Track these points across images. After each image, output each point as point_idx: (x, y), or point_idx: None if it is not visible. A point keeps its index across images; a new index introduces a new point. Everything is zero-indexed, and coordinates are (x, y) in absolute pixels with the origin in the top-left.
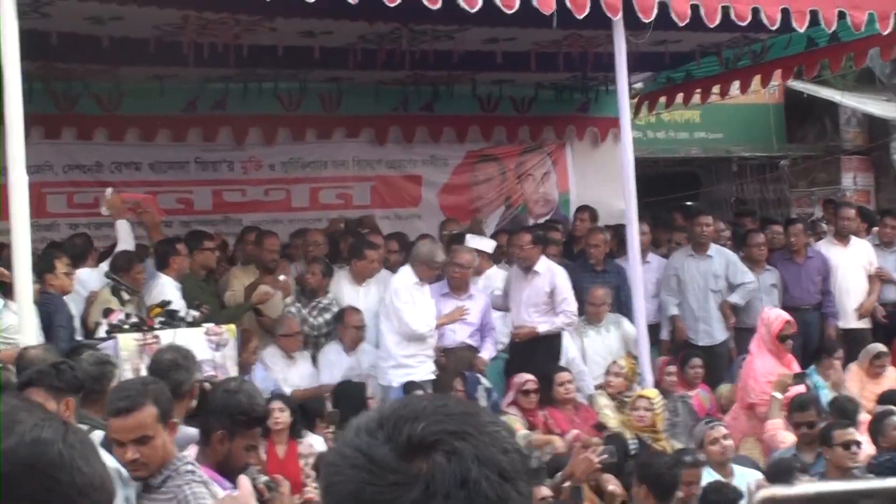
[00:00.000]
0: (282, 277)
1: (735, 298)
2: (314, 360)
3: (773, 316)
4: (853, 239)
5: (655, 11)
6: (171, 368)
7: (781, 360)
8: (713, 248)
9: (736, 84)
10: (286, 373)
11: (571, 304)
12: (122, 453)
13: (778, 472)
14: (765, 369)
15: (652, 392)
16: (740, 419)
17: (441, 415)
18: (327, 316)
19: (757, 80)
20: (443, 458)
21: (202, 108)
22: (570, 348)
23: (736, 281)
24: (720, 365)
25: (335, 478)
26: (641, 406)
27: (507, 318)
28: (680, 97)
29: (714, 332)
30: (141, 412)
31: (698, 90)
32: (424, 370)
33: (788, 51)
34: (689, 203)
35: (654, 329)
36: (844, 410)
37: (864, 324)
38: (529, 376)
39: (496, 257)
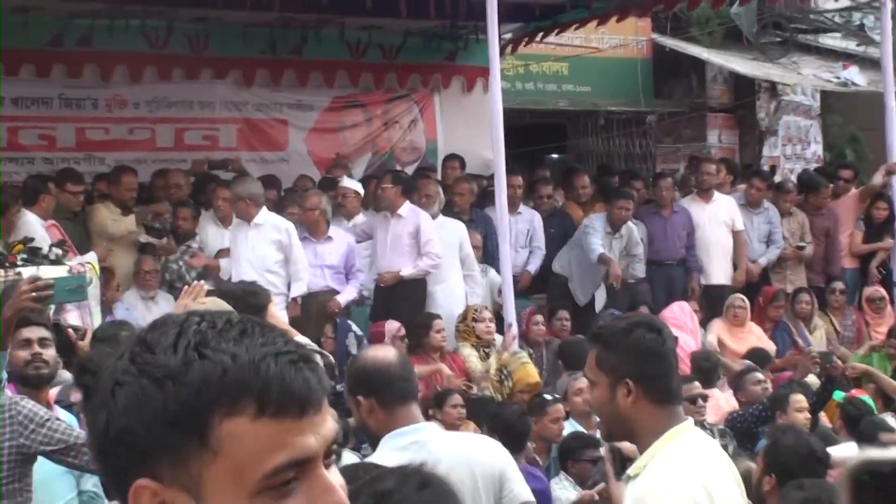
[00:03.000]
0: (164, 240)
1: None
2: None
3: None
4: (716, 195)
5: None
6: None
7: None
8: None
9: (592, 25)
10: (146, 314)
11: (435, 246)
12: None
13: None
14: None
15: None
16: None
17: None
18: (194, 272)
19: (614, 23)
20: None
21: (68, 44)
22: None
23: (632, 252)
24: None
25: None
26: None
27: (374, 264)
28: (539, 38)
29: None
30: None
31: (556, 30)
32: None
33: None
34: (555, 156)
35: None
36: (701, 367)
37: (725, 280)
38: (397, 323)
39: (363, 203)
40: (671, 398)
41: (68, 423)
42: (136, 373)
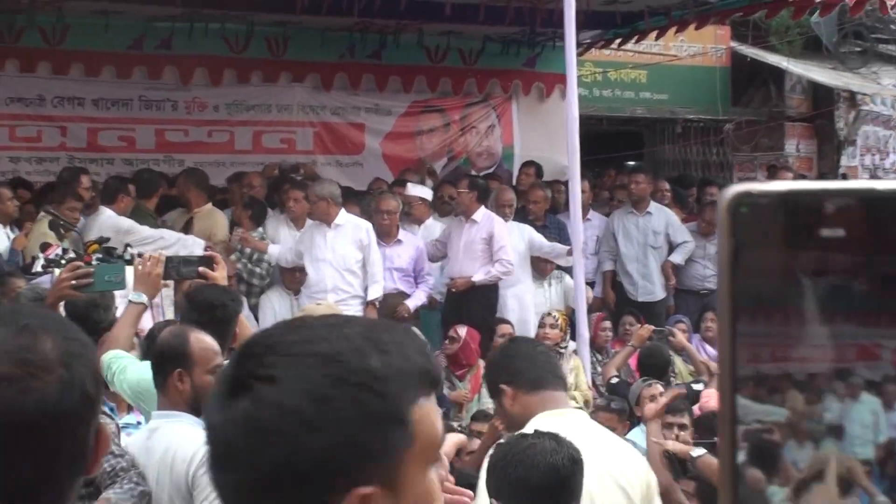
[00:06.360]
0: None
1: (676, 258)
2: (251, 307)
3: None
4: None
5: None
6: (88, 307)
7: None
8: (653, 206)
9: (671, 33)
10: None
11: (508, 253)
12: None
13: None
14: None
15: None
16: None
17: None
18: (265, 264)
19: (693, 31)
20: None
21: (148, 47)
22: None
23: (676, 240)
24: (658, 323)
25: None
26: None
27: (445, 268)
28: (617, 45)
29: (655, 289)
30: None
31: (635, 37)
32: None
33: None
34: (630, 163)
35: (591, 286)
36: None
37: None
38: (462, 327)
39: (440, 209)
40: (538, 385)
41: None
42: (337, 383)
